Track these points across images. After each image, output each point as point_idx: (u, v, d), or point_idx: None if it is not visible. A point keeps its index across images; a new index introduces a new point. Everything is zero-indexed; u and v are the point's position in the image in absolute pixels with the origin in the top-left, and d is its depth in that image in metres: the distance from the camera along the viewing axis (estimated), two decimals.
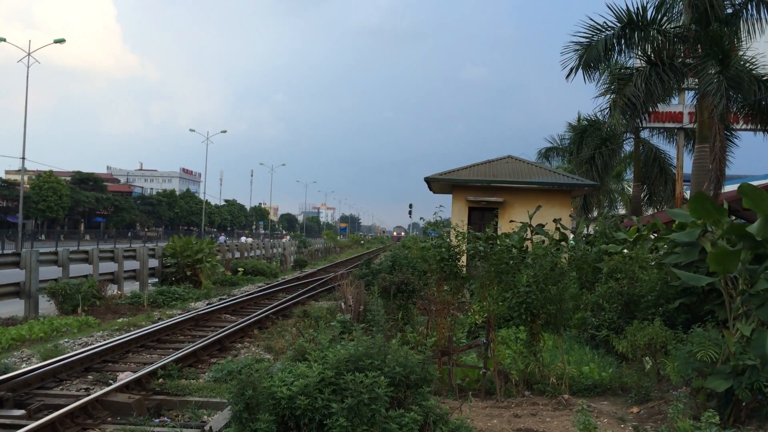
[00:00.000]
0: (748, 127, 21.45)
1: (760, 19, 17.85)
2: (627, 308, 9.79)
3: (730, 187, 19.82)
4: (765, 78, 17.79)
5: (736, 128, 23.82)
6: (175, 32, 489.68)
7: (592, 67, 19.07)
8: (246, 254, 34.73)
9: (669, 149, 31.56)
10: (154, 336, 12.68)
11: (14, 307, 15.73)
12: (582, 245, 14.94)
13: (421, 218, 14.90)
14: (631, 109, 18.26)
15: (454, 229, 9.84)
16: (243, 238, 62.33)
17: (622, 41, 18.34)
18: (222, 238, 62.07)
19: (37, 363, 9.82)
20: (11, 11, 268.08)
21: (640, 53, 19.33)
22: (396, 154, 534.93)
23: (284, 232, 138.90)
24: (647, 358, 8.13)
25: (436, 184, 23.48)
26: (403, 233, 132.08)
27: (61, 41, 45.94)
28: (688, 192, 22.64)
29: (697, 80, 18.06)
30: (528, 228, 14.91)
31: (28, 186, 71.36)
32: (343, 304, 12.40)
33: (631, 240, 13.53)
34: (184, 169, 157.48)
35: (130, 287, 20.82)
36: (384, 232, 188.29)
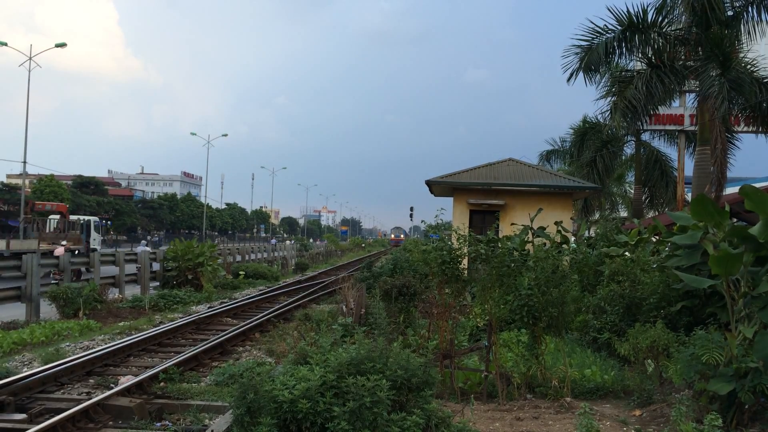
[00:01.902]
0: (750, 129, 21.45)
1: (761, 21, 17.86)
2: (629, 311, 9.78)
3: (731, 190, 19.80)
4: (766, 80, 17.80)
5: (737, 130, 23.79)
6: (176, 36, 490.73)
7: (593, 70, 19.09)
8: (247, 257, 34.74)
9: (670, 152, 31.55)
10: (156, 339, 12.68)
11: (15, 311, 15.74)
12: (583, 248, 14.93)
13: (422, 221, 15.01)
14: (632, 112, 18.26)
15: (456, 232, 9.83)
16: (289, 242, 71.55)
17: (623, 44, 18.34)
18: (273, 241, 71.91)
19: (39, 367, 9.81)
20: (13, 15, 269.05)
21: (640, 56, 19.34)
22: (397, 156, 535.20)
23: (285, 235, 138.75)
24: (649, 360, 8.12)
25: (437, 187, 23.46)
26: (402, 236, 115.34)
27: (62, 45, 46.05)
28: (690, 194, 22.64)
29: (698, 82, 18.06)
30: (529, 231, 14.89)
31: (29, 190, 71.45)
32: (344, 307, 12.39)
33: (633, 243, 13.51)
34: (185, 173, 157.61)
35: (132, 291, 20.83)
36: (385, 235, 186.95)
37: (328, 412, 4.89)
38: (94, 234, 40.54)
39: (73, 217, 42.98)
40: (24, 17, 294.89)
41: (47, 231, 37.76)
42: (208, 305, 19.14)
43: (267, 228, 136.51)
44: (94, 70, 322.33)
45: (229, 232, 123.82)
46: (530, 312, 7.97)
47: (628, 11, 17.87)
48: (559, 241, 15.44)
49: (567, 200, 22.92)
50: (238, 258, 33.50)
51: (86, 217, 43.51)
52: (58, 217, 41.50)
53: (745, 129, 23.25)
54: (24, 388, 8.53)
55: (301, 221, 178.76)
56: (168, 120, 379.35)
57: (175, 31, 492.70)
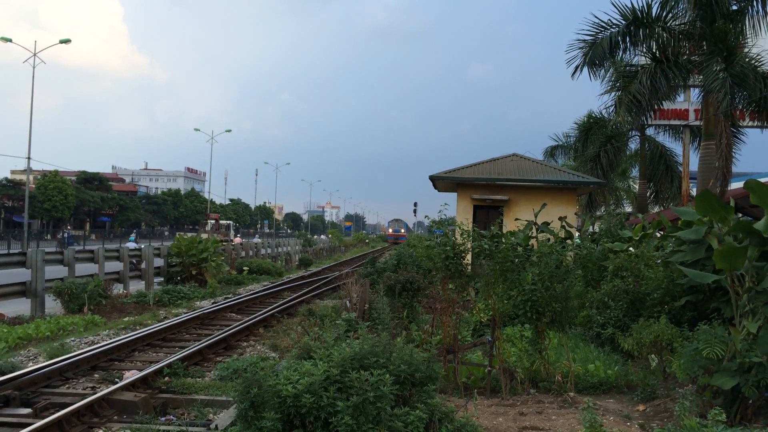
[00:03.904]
0: (755, 124, 21.37)
1: (766, 15, 17.76)
2: (632, 306, 9.77)
3: (736, 185, 19.74)
4: None
5: (742, 125, 23.71)
6: (181, 32, 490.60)
7: (597, 65, 19.03)
8: (251, 253, 34.79)
9: (675, 147, 31.49)
10: (160, 335, 12.71)
11: (21, 306, 15.78)
12: (587, 243, 14.89)
13: (426, 216, 15.00)
14: (637, 107, 18.20)
15: (459, 228, 9.82)
16: (323, 236, 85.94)
17: (627, 38, 18.27)
18: (323, 237, 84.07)
19: (44, 362, 9.84)
20: (18, 12, 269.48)
21: (645, 50, 19.26)
22: (401, 152, 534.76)
23: (289, 231, 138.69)
24: (653, 355, 8.11)
25: (441, 182, 23.45)
26: (402, 230, 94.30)
27: (66, 41, 46.03)
28: (695, 190, 22.58)
29: (702, 77, 17.99)
30: (533, 226, 14.86)
31: (33, 186, 71.65)
32: (348, 302, 12.42)
33: (637, 238, 13.48)
34: (189, 169, 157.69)
35: (136, 286, 20.86)
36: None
37: (331, 407, 4.91)
38: (232, 231, 71.46)
39: (223, 222, 75.38)
40: (29, 14, 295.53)
41: (206, 230, 64.57)
42: (212, 300, 19.17)
43: (271, 224, 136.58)
44: (98, 66, 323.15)
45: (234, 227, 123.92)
46: (534, 307, 7.97)
47: (632, 6, 17.81)
48: (563, 236, 15.40)
49: (571, 195, 22.88)
50: (243, 254, 33.54)
51: (228, 222, 79.75)
52: (213, 221, 70.92)
53: (751, 124, 23.18)
54: (29, 383, 8.56)
55: (305, 217, 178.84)
56: (172, 116, 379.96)
57: (181, 27, 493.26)
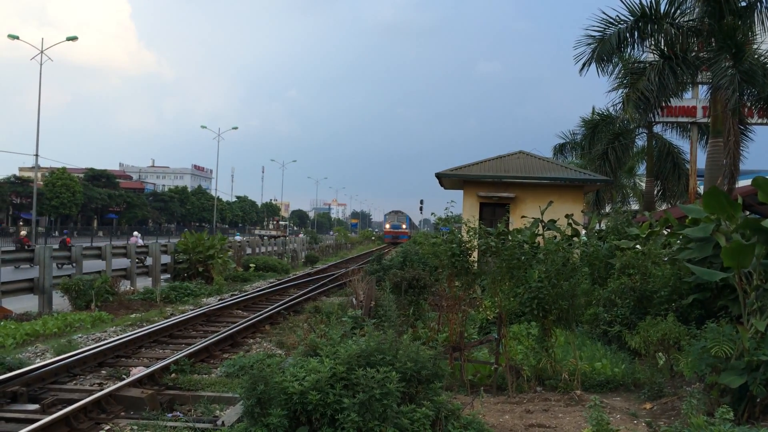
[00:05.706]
0: (764, 122, 21.23)
1: None
2: (639, 304, 9.74)
3: (744, 182, 19.65)
4: None
5: (750, 122, 23.55)
6: (188, 29, 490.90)
7: (605, 61, 18.99)
8: (257, 250, 34.86)
9: (682, 144, 31.27)
10: (167, 331, 12.75)
11: (28, 303, 15.87)
12: (594, 241, 14.86)
13: (432, 214, 15.06)
14: (644, 104, 18.12)
15: (466, 225, 9.81)
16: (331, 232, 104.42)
17: (635, 34, 18.21)
18: (332, 233, 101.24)
19: (51, 358, 9.89)
20: (26, 9, 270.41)
21: (653, 47, 19.18)
22: (408, 149, 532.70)
23: (296, 228, 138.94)
24: (660, 353, 8.08)
25: (447, 179, 23.42)
26: (404, 225, 75.01)
27: (73, 39, 46.21)
28: (702, 187, 22.49)
29: (710, 74, 17.89)
30: (540, 223, 14.83)
31: (41, 183, 71.94)
32: (354, 299, 12.39)
33: (644, 235, 13.43)
34: (195, 166, 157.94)
35: (143, 283, 20.94)
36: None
37: (337, 404, 4.91)
38: (288, 229, 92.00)
39: (282, 222, 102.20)
40: (37, 11, 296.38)
41: (271, 228, 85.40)
42: (218, 297, 19.22)
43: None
44: (106, 63, 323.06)
45: (240, 225, 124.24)
46: (540, 305, 7.95)
47: (640, 1, 17.73)
48: (569, 234, 15.37)
49: (578, 193, 22.82)
50: (249, 251, 33.60)
51: (285, 222, 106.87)
52: (275, 222, 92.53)
53: (759, 121, 23.03)
54: (37, 379, 8.60)
55: (312, 214, 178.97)
56: (179, 113, 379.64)
57: (187, 24, 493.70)
